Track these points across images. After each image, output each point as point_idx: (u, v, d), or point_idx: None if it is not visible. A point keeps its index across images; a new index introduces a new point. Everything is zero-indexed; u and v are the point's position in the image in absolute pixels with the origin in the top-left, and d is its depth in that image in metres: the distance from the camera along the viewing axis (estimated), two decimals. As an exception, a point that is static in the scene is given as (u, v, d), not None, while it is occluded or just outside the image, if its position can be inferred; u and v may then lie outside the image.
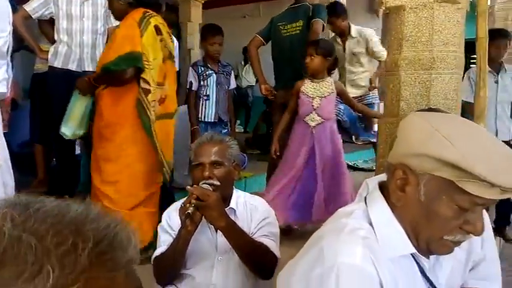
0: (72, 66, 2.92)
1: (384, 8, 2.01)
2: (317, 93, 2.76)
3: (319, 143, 2.76)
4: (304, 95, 2.78)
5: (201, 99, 3.32)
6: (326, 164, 2.76)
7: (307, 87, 2.78)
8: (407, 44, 1.88)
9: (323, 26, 3.19)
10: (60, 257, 0.36)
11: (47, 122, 3.03)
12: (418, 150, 0.82)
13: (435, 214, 0.82)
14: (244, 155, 3.71)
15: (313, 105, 2.75)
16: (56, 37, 2.93)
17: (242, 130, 7.39)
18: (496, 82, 3.09)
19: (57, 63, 2.91)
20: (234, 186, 1.57)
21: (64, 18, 2.87)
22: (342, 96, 2.90)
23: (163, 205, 2.87)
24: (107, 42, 2.90)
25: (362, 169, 5.52)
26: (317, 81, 2.78)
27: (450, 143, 0.78)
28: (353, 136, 6.54)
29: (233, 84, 3.59)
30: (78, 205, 0.42)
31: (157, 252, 1.46)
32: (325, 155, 2.77)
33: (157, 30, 2.34)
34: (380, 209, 0.90)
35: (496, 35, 2.93)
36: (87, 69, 2.87)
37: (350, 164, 5.65)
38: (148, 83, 2.26)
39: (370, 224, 0.89)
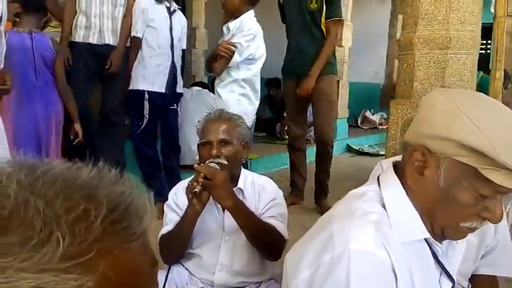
0: (93, 40, 2.84)
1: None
2: None
3: None
4: None
5: None
6: None
7: None
8: (423, 23, 1.81)
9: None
10: (71, 224, 0.32)
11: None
12: (440, 133, 0.77)
13: (454, 200, 0.79)
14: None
15: None
16: (77, 10, 2.83)
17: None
18: None
19: (78, 38, 2.83)
20: (241, 166, 1.54)
21: None
22: None
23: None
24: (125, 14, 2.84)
25: (367, 153, 5.47)
26: None
27: (477, 127, 0.72)
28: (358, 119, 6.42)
29: None
30: (90, 170, 0.38)
31: (164, 230, 1.44)
32: None
33: None
34: (394, 191, 0.86)
35: None
36: (107, 42, 2.81)
37: (355, 148, 5.62)
38: None
39: (383, 206, 0.85)
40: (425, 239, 0.85)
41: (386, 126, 2.40)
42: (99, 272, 0.33)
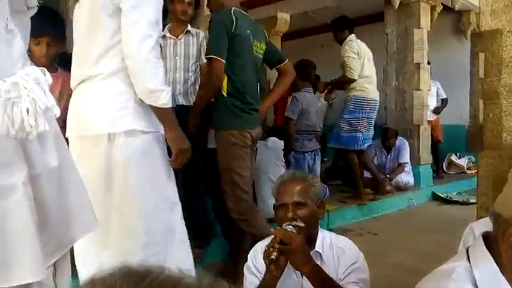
0: None
1: (472, 28, 1.86)
2: None
3: None
4: None
5: None
6: None
7: None
8: (507, 70, 1.71)
9: None
10: None
11: None
12: None
13: None
14: (325, 186, 3.59)
15: None
16: None
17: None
18: None
19: None
20: (319, 226, 1.52)
21: None
22: None
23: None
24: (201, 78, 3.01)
25: (456, 202, 5.03)
26: None
27: None
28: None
29: None
30: (190, 278, 0.41)
31: (244, 293, 1.45)
32: None
33: None
34: (486, 268, 0.79)
35: None
36: (180, 103, 2.96)
37: (443, 196, 5.21)
38: None
39: (475, 284, 0.78)
40: None
41: (476, 171, 2.19)
42: None
